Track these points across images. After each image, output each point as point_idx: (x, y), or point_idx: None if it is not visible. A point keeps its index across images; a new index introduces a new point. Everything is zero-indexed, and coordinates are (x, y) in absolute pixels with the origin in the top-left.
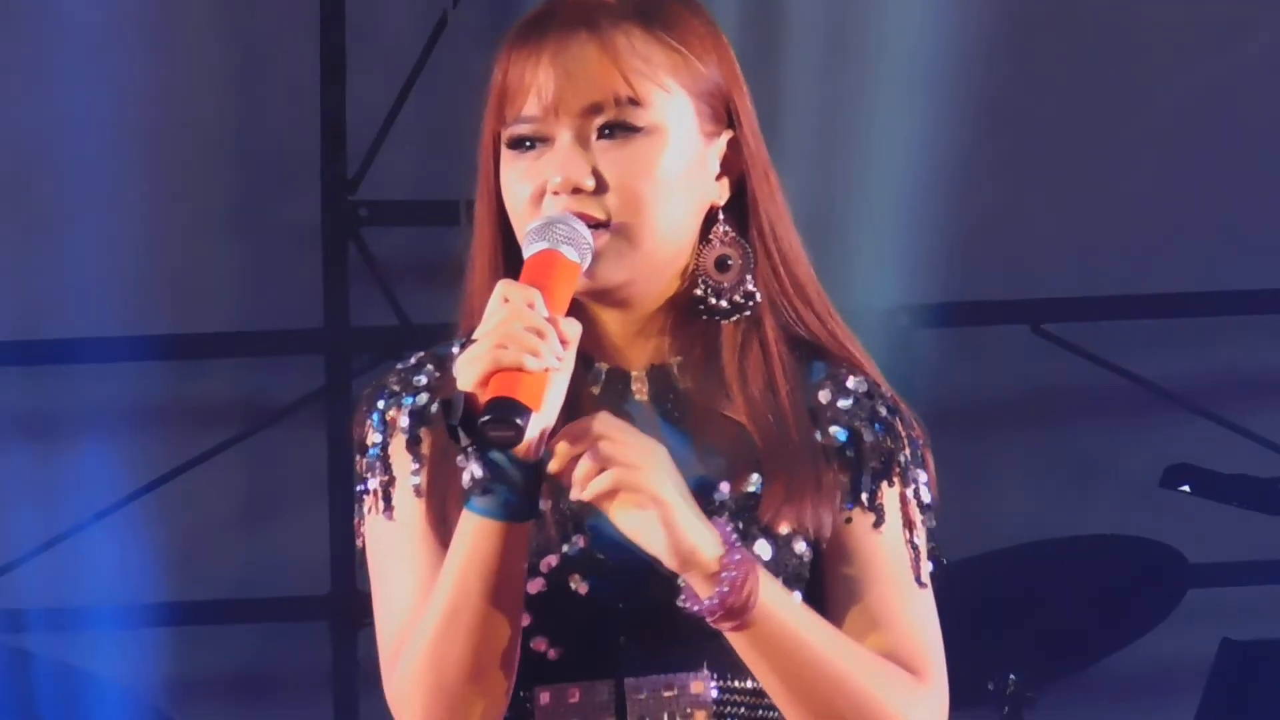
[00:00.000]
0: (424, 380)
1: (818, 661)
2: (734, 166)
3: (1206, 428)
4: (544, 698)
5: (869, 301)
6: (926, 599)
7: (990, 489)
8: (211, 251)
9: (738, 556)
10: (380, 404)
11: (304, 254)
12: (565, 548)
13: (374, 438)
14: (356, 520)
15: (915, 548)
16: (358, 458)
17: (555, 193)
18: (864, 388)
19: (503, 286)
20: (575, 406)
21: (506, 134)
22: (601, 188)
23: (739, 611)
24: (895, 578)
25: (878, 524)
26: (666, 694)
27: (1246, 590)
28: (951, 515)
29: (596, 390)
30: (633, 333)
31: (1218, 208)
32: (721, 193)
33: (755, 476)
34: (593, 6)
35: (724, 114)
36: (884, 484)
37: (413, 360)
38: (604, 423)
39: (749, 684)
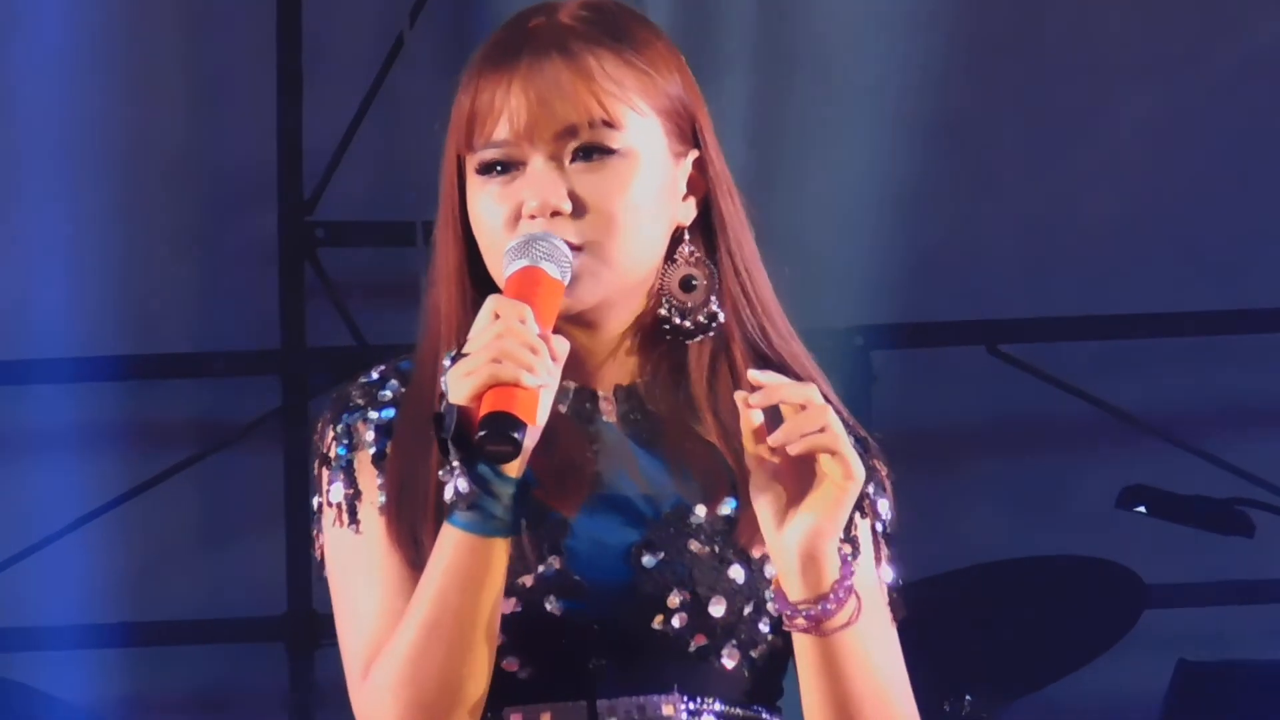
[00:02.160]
0: (389, 395)
1: (873, 698)
2: (699, 186)
3: (1163, 449)
4: (515, 718)
5: (825, 321)
6: (895, 635)
7: (946, 510)
8: (168, 272)
9: (850, 579)
10: (345, 417)
11: (261, 275)
12: (541, 568)
13: (339, 450)
14: (315, 532)
15: (882, 581)
16: (319, 468)
17: (532, 216)
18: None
19: (494, 301)
20: (545, 427)
21: (476, 159)
22: (578, 210)
23: (828, 629)
24: (873, 612)
25: (854, 555)
26: (638, 715)
27: (1203, 611)
28: (907, 536)
29: (564, 409)
30: (600, 352)
31: (1175, 229)
32: (687, 213)
33: (730, 500)
34: (562, 30)
35: (690, 134)
36: (856, 515)
37: (375, 374)
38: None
39: (719, 705)
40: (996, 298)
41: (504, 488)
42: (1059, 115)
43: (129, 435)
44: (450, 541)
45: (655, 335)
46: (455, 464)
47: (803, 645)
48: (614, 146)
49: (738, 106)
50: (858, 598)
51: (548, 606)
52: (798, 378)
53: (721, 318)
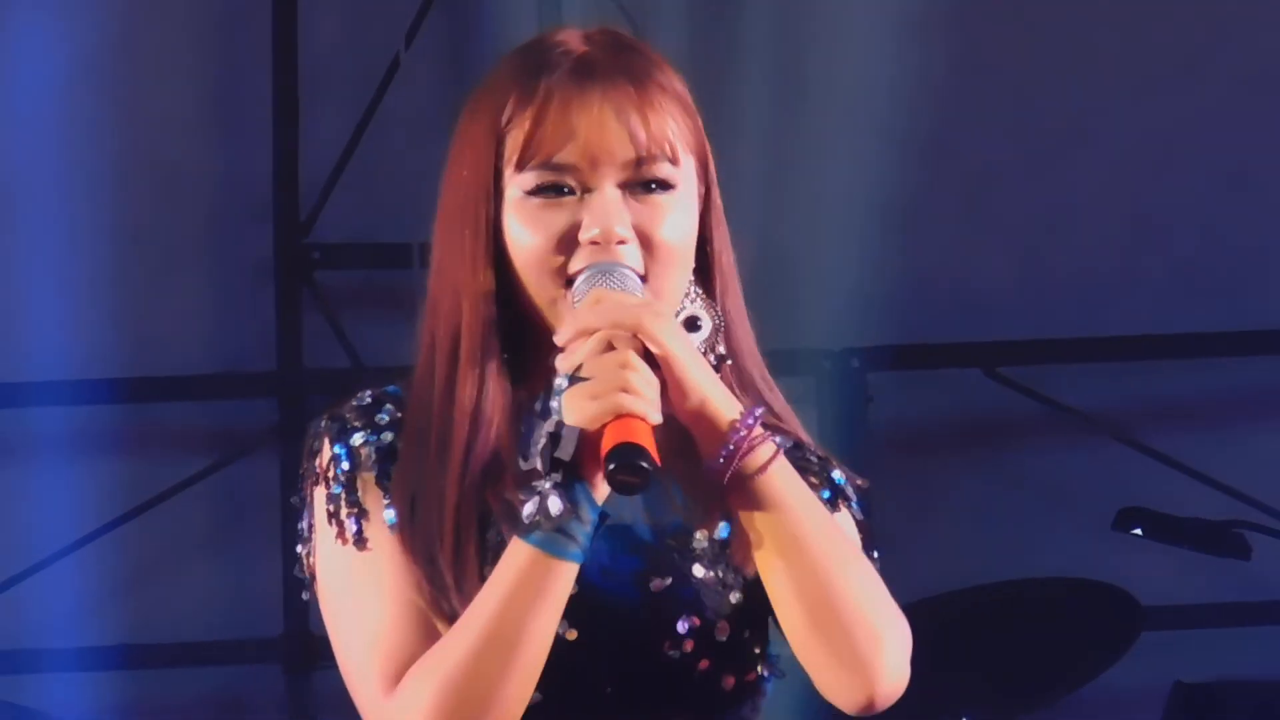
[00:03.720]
0: (385, 419)
1: (819, 546)
2: (703, 228)
3: (1160, 471)
4: None
5: (821, 343)
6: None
7: (943, 531)
8: (165, 295)
9: (752, 421)
10: (344, 438)
11: (257, 296)
12: None
13: (339, 470)
14: (303, 553)
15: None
16: (311, 489)
17: (595, 242)
18: (789, 444)
19: (607, 332)
20: None
21: (532, 178)
22: (641, 242)
23: (748, 470)
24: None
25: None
26: None
27: (1199, 633)
28: (904, 557)
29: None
30: None
31: (1173, 250)
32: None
33: (724, 524)
34: (622, 59)
35: (705, 175)
36: (841, 503)
37: (368, 399)
38: (601, 293)
39: None
40: (993, 320)
41: (593, 514)
42: (1055, 134)
43: (126, 458)
44: (523, 559)
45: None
46: (547, 483)
47: (738, 502)
48: (673, 182)
49: (735, 129)
50: (775, 446)
51: (560, 631)
52: (776, 416)
53: (728, 360)
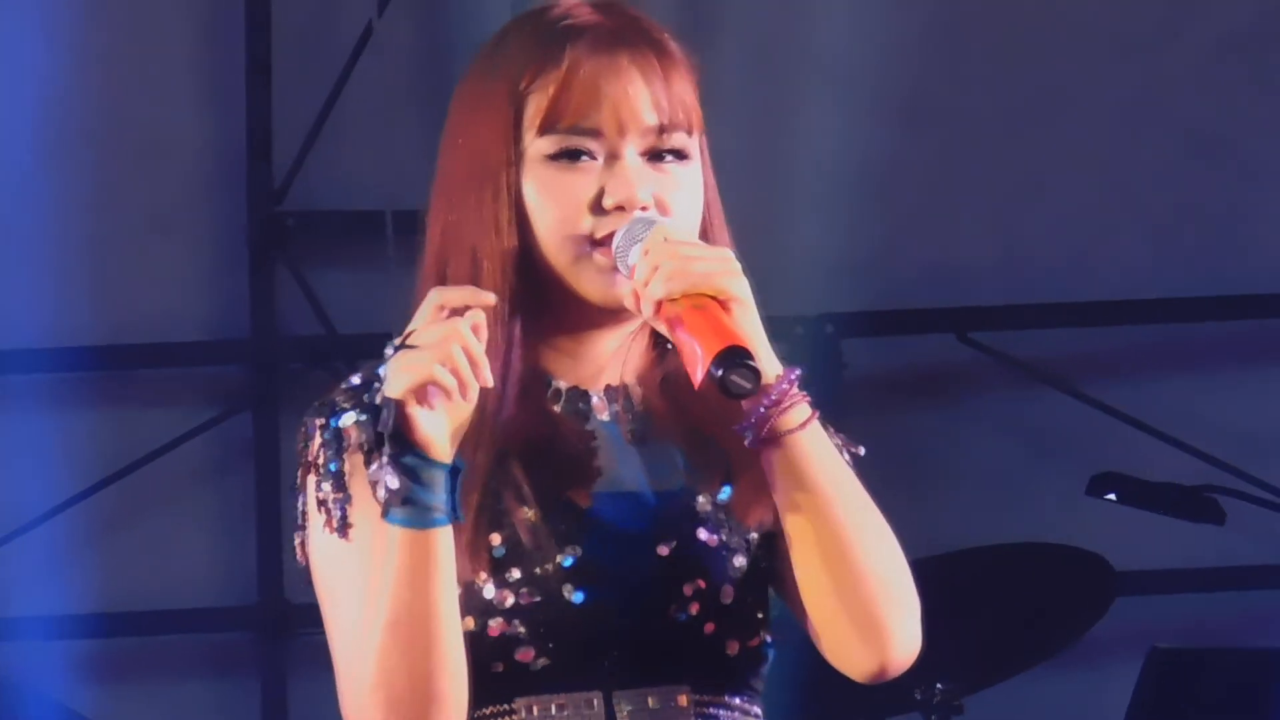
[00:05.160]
0: (374, 399)
1: (847, 511)
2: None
3: (1133, 436)
4: (529, 709)
5: (795, 309)
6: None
7: (915, 497)
8: (137, 262)
9: (794, 378)
10: (333, 421)
11: (231, 264)
12: (559, 557)
13: (329, 454)
14: (298, 537)
15: None
16: (304, 474)
17: (619, 208)
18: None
19: (441, 294)
20: (544, 424)
21: (554, 141)
22: (660, 210)
23: (783, 427)
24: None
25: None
26: (653, 706)
27: (1174, 598)
28: None
29: (558, 408)
30: (599, 355)
31: (1146, 216)
32: None
33: (725, 486)
34: (641, 28)
35: (704, 149)
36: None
37: (357, 380)
38: (663, 231)
39: (725, 695)
40: (967, 285)
41: (435, 474)
42: (1029, 100)
43: (99, 424)
44: (393, 540)
45: (653, 340)
46: (385, 460)
47: (771, 465)
48: (688, 153)
49: (705, 90)
50: (811, 407)
51: (567, 595)
52: None
53: None
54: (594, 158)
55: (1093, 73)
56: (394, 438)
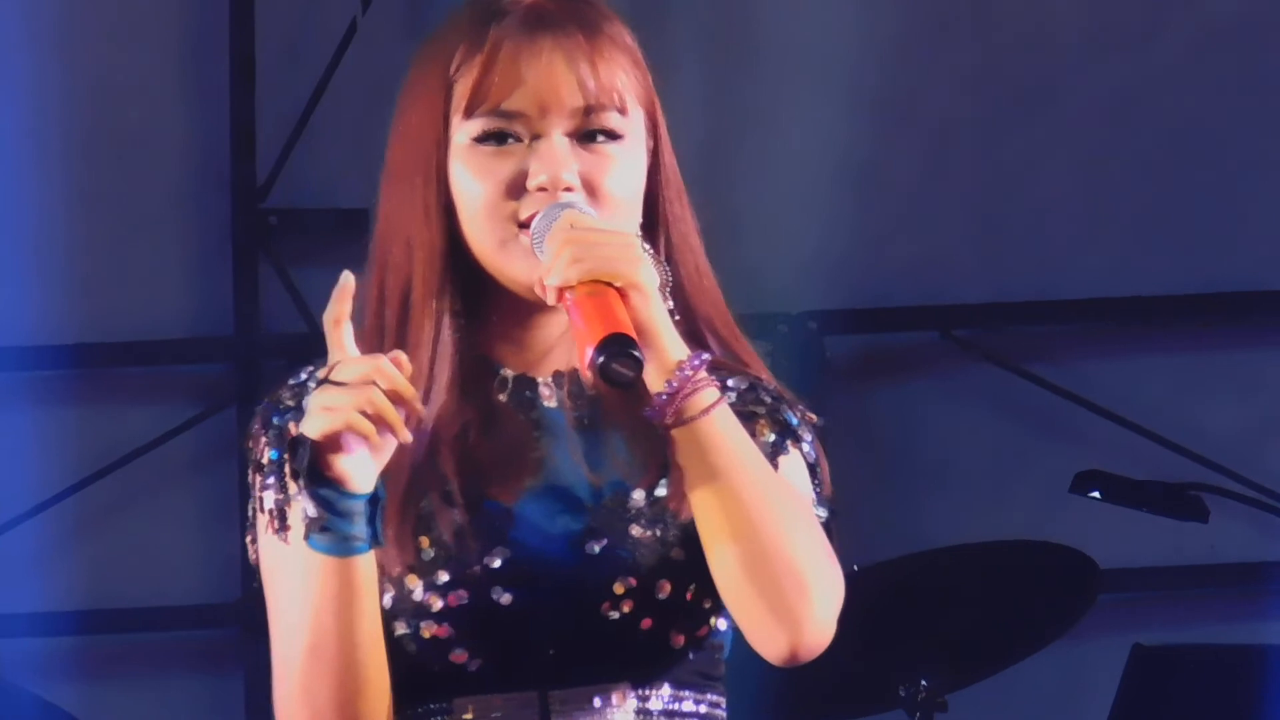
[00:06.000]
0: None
1: (754, 493)
2: (650, 184)
3: (1117, 433)
4: (467, 709)
5: (779, 306)
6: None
7: (901, 494)
8: (121, 260)
9: (699, 363)
10: (275, 419)
11: (214, 262)
12: (487, 559)
13: (270, 454)
14: (248, 538)
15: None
16: (252, 474)
17: (542, 189)
18: (745, 384)
19: (364, 373)
20: (483, 415)
21: (479, 125)
22: (586, 191)
23: (688, 413)
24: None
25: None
26: (590, 705)
27: (1158, 596)
28: (862, 520)
29: (504, 398)
30: (545, 340)
31: (1130, 212)
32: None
33: (663, 480)
34: (573, 9)
35: (654, 130)
36: (788, 442)
37: (303, 375)
38: (570, 218)
39: (668, 689)
40: (950, 282)
41: (353, 505)
42: (1014, 97)
43: (82, 424)
44: (314, 564)
45: None
46: (301, 489)
47: (677, 446)
48: (620, 133)
49: (690, 90)
50: (720, 393)
51: (495, 597)
52: (727, 367)
53: (676, 316)
54: (520, 140)
55: (1076, 68)
56: (309, 474)
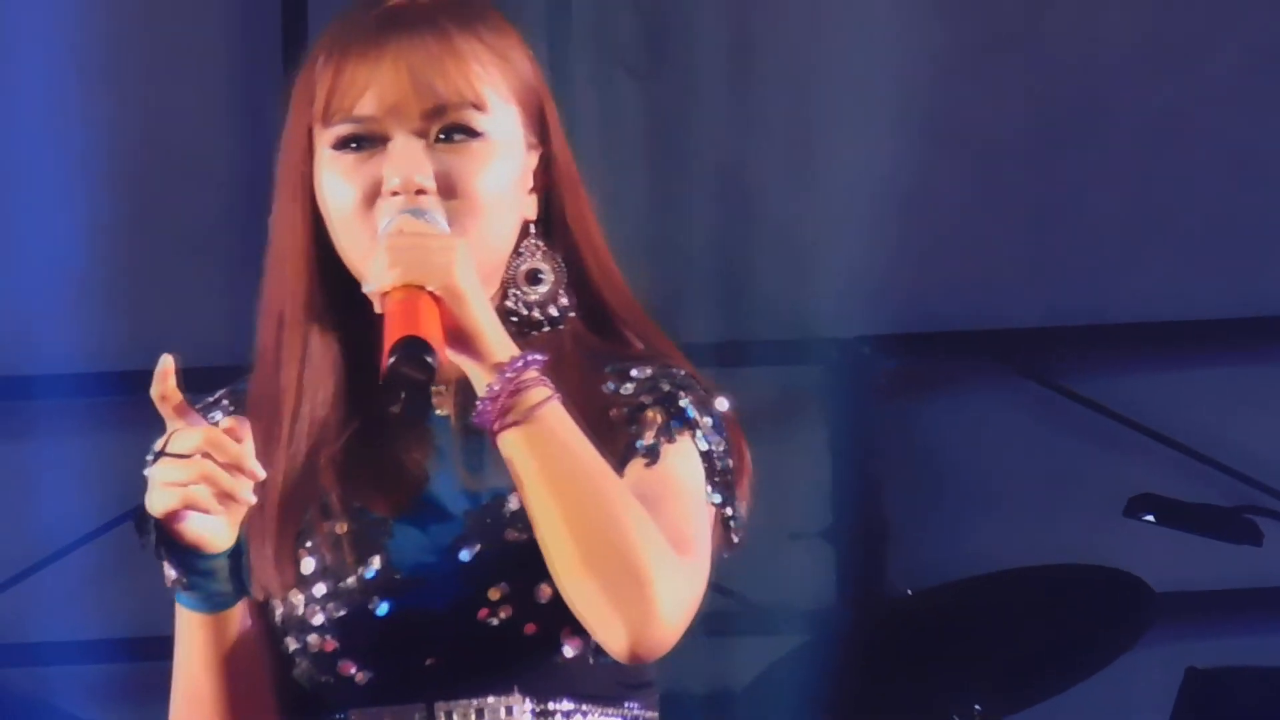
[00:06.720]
0: (218, 416)
1: (590, 487)
2: (543, 181)
3: (1169, 456)
4: None
5: (831, 331)
6: (705, 514)
7: (953, 518)
8: (174, 286)
9: (523, 364)
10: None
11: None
12: (362, 569)
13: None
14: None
15: (708, 501)
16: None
17: (394, 193)
18: (647, 372)
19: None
20: (370, 426)
21: (333, 133)
22: (442, 191)
23: (516, 414)
24: (675, 497)
25: (650, 464)
26: (479, 716)
27: (1212, 620)
28: (915, 544)
29: (396, 409)
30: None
31: (1184, 236)
32: (532, 207)
33: None
34: (429, 9)
35: (540, 127)
36: (673, 424)
37: (211, 398)
38: (400, 224)
39: (568, 703)
40: (1001, 305)
41: (212, 564)
42: (1063, 116)
43: (131, 450)
44: (185, 619)
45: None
46: (158, 554)
47: (505, 447)
48: (479, 129)
49: (741, 111)
50: (549, 391)
51: (371, 608)
52: (632, 359)
53: (571, 313)
54: (376, 144)
55: (1126, 91)
56: (164, 545)
